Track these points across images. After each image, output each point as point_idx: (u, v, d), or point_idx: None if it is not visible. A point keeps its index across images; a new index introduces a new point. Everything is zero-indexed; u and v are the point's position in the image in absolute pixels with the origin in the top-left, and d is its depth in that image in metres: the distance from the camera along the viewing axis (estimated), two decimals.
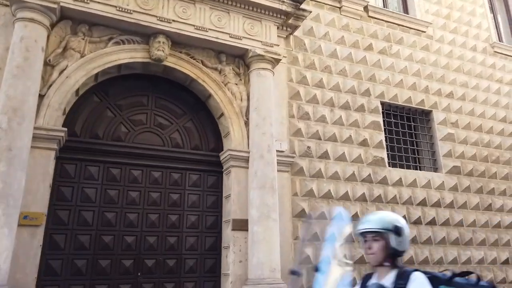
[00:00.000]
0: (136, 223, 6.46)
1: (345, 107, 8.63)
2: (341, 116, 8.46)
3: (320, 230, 3.20)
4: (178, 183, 6.99)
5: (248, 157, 7.01)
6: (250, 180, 6.83)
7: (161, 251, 6.49)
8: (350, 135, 8.43)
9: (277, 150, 7.25)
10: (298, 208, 7.36)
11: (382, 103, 9.19)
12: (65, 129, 5.89)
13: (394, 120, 9.37)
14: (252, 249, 6.38)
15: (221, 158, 7.28)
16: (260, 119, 7.07)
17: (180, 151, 7.07)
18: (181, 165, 7.05)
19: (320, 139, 8.11)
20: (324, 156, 8.00)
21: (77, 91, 6.18)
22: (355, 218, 7.78)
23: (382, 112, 9.15)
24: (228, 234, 6.76)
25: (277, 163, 7.15)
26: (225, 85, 7.22)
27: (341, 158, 8.15)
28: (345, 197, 7.89)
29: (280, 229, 6.75)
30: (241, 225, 6.70)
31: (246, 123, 7.30)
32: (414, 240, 8.07)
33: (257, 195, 6.62)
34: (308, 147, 7.88)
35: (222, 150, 7.24)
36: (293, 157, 7.55)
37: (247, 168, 7.00)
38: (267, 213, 6.53)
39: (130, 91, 6.98)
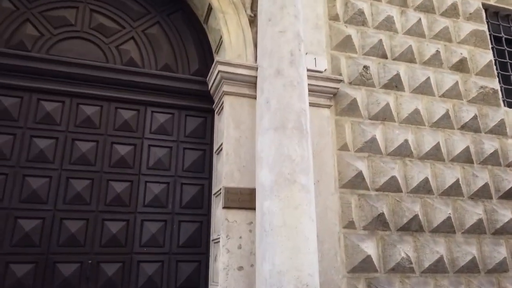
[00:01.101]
0: (44, 195, 3.52)
1: (425, 7, 5.18)
2: (419, 20, 5.04)
3: None
4: (131, 127, 3.98)
5: (255, 77, 3.85)
6: (259, 116, 3.68)
7: (92, 247, 3.53)
8: (437, 52, 4.99)
9: (309, 70, 4.04)
10: (349, 172, 4.10)
11: (485, 7, 5.63)
12: None
13: (506, 36, 5.76)
14: (262, 245, 3.29)
15: (209, 84, 4.18)
16: (277, 8, 3.87)
17: (136, 72, 4.05)
18: (138, 97, 4.03)
19: (385, 56, 4.77)
20: (394, 84, 4.65)
21: None
22: (455, 189, 4.40)
23: (487, 22, 5.59)
24: (218, 217, 3.66)
25: (311, 91, 3.96)
26: None
27: (423, 88, 4.77)
28: (434, 155, 4.51)
29: (318, 208, 3.57)
30: (242, 200, 3.58)
31: (252, 21, 4.12)
32: None
33: (272, 143, 3.47)
34: (365, 68, 4.57)
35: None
36: (339, 80, 4.27)
37: (254, 97, 3.85)
38: (291, 175, 3.36)
39: None
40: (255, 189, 3.61)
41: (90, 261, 3.49)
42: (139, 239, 3.69)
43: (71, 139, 3.76)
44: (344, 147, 4.24)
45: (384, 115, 4.49)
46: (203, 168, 4.12)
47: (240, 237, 3.49)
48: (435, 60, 4.99)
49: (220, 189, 3.67)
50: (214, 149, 4.14)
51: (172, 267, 3.71)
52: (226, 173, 3.63)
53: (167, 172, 3.97)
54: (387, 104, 4.50)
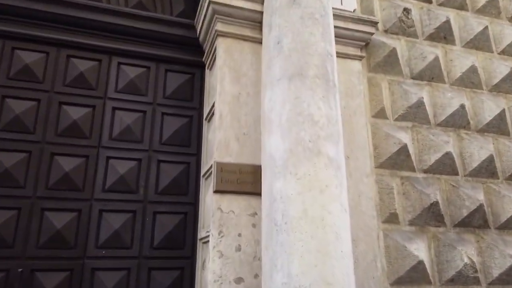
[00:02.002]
0: None
1: None
2: None
3: None
4: (88, 83, 2.95)
5: (261, 12, 2.81)
6: (266, 63, 2.64)
7: (24, 249, 2.48)
8: None
9: (334, 8, 2.96)
10: (388, 146, 3.03)
11: None
12: None
13: None
14: (272, 245, 2.27)
15: (197, 27, 3.13)
16: None
17: (98, 8, 2.99)
18: (99, 42, 3.00)
19: (429, 0, 3.70)
20: (442, 35, 3.59)
21: None
22: None
23: None
24: (209, 206, 2.59)
25: (336, 37, 2.91)
26: None
27: (479, 42, 3.73)
28: (497, 127, 3.45)
29: (348, 194, 2.51)
30: (242, 182, 2.54)
31: None
32: None
33: (285, 97, 2.45)
34: (406, 11, 3.51)
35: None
36: (373, 23, 3.21)
37: (258, 41, 2.80)
38: (314, 143, 2.32)
39: None
40: (260, 166, 2.56)
41: (20, 270, 2.43)
42: (95, 238, 2.62)
43: (0, 96, 2.70)
44: (380, 114, 3.17)
45: (431, 73, 3.42)
46: (189, 140, 3.06)
47: (239, 235, 2.43)
48: (491, 8, 3.92)
49: (211, 166, 2.61)
50: (204, 115, 3.08)
51: (143, 278, 2.65)
52: (219, 143, 2.57)
53: (138, 145, 2.90)
54: (435, 59, 3.43)
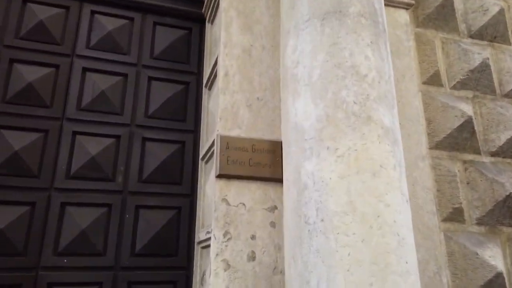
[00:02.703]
0: None
1: None
2: None
3: None
4: (50, 35, 2.26)
5: None
6: (288, 1, 1.88)
7: None
8: None
9: None
10: (446, 122, 2.32)
11: None
12: None
13: None
14: (303, 254, 1.49)
15: None
16: None
17: None
18: None
19: None
20: None
21: None
22: None
23: None
24: (210, 197, 1.88)
25: None
26: None
27: None
28: None
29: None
30: (255, 164, 1.80)
31: None
32: None
33: (317, 44, 1.75)
34: None
35: None
36: None
37: None
38: (361, 106, 1.63)
39: None
40: (281, 142, 1.86)
41: None
42: (53, 242, 1.93)
43: None
44: (433, 80, 2.46)
45: (493, 31, 2.70)
46: (184, 113, 2.36)
47: (253, 237, 1.73)
48: None
49: (213, 143, 1.90)
50: (204, 80, 2.38)
51: None
52: (224, 111, 1.87)
53: (116, 118, 2.21)
54: (500, 13, 2.71)
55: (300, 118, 1.72)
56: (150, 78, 2.35)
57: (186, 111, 2.36)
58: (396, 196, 1.57)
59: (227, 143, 1.82)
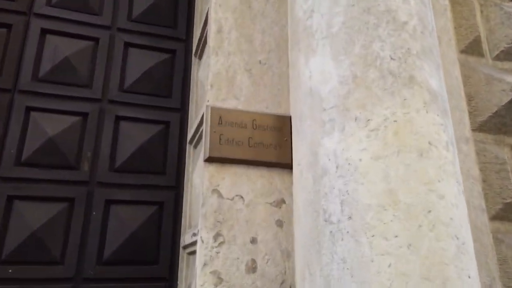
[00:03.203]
0: None
1: None
2: None
3: None
4: None
5: None
6: None
7: None
8: None
9: None
10: (492, 97, 1.88)
11: None
12: None
13: None
14: (319, 266, 1.11)
15: None
16: None
17: None
18: None
19: None
20: None
21: None
22: None
23: None
24: (197, 188, 1.44)
25: None
26: None
27: None
28: None
29: None
30: (257, 144, 1.34)
31: None
32: None
33: None
34: None
35: None
36: None
37: None
38: (399, 62, 1.20)
39: None
40: (289, 117, 1.43)
41: None
42: None
43: None
44: (472, 49, 2.03)
45: None
46: (169, 88, 1.93)
47: (253, 241, 1.30)
48: None
49: (202, 119, 1.47)
50: (194, 48, 1.96)
51: None
52: (217, 76, 1.44)
53: (83, 92, 1.78)
54: None
55: (317, 81, 1.30)
56: (127, 45, 1.92)
57: (171, 85, 1.93)
58: (451, 185, 1.14)
59: (220, 117, 1.39)
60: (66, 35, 1.83)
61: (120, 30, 1.93)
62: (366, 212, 1.09)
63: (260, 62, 1.53)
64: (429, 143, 1.15)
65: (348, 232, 1.10)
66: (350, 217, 1.10)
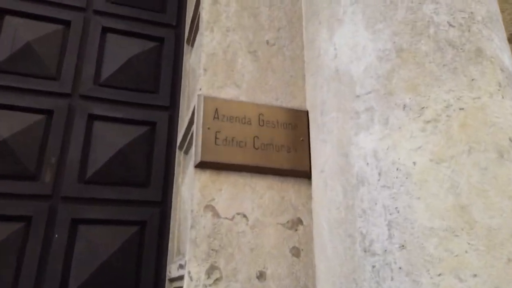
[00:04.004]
0: None
1: None
2: None
3: None
4: None
5: None
6: None
7: None
8: None
9: None
10: None
11: None
12: None
13: None
14: None
15: None
16: None
17: None
18: None
19: None
20: None
21: None
22: None
23: None
24: (187, 204, 1.10)
25: None
26: None
27: None
28: None
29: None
30: (262, 145, 0.99)
31: None
32: None
33: None
34: None
35: None
36: None
37: None
38: (461, 30, 0.83)
39: None
40: (306, 111, 1.10)
41: None
42: None
43: None
44: None
45: None
46: (156, 82, 1.61)
47: (261, 275, 0.95)
48: None
49: (193, 113, 1.14)
50: (186, 34, 1.64)
51: None
52: (210, 58, 1.12)
53: (49, 85, 1.46)
54: None
55: (345, 59, 0.98)
56: (105, 30, 1.60)
57: (158, 79, 1.61)
58: None
59: (216, 109, 1.06)
60: (28, 17, 1.52)
61: (97, 12, 1.62)
62: (426, 238, 0.75)
63: (267, 42, 1.21)
64: (511, 139, 0.83)
65: (400, 268, 0.76)
66: (402, 245, 0.77)
